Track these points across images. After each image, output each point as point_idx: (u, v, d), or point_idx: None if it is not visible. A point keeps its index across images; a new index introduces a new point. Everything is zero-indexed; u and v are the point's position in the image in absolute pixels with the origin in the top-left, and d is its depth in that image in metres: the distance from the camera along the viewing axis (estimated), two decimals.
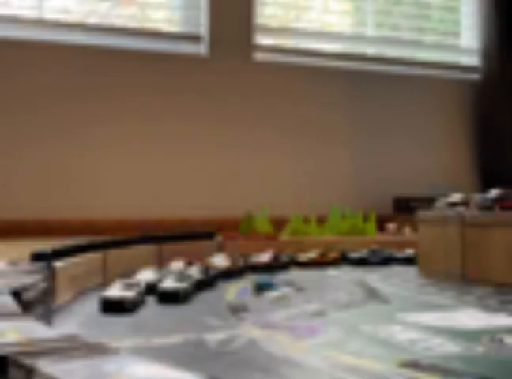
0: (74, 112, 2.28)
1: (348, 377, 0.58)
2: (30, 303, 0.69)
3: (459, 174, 2.92)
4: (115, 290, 0.98)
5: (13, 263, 0.90)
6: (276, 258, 1.46)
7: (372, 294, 1.09)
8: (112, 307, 0.93)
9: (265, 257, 1.45)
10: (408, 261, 1.56)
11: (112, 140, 2.33)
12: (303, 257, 1.54)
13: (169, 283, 1.06)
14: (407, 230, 1.87)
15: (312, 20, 2.84)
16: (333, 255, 1.58)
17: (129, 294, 0.96)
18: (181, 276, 1.10)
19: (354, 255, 1.60)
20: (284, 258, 1.50)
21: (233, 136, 2.51)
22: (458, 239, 1.31)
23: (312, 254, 1.55)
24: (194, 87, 2.45)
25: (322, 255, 1.56)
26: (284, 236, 1.76)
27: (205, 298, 1.05)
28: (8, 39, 2.20)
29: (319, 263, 1.52)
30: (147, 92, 2.38)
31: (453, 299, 1.04)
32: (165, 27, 2.51)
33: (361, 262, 1.57)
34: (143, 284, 1.05)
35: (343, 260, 1.60)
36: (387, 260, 1.60)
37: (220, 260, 1.39)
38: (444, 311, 0.93)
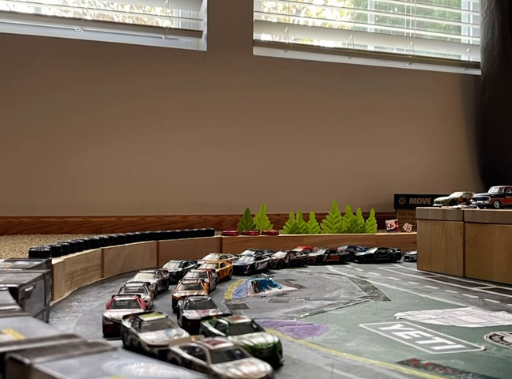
0: (73, 111, 2.27)
1: (349, 375, 0.58)
2: (28, 301, 0.69)
3: (459, 173, 2.92)
4: None
5: (12, 260, 0.90)
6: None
7: (372, 292, 1.09)
8: None
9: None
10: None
11: (110, 138, 2.33)
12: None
13: None
14: (407, 228, 1.87)
15: (312, 15, 2.84)
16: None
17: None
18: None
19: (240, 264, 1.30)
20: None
21: (233, 133, 2.51)
22: (458, 237, 1.30)
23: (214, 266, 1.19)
24: (194, 82, 2.44)
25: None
26: (284, 233, 1.76)
27: None
28: (5, 34, 2.20)
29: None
30: (146, 88, 2.37)
31: (453, 297, 1.04)
32: (165, 22, 2.51)
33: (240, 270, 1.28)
34: None
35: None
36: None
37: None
38: (444, 309, 0.93)
